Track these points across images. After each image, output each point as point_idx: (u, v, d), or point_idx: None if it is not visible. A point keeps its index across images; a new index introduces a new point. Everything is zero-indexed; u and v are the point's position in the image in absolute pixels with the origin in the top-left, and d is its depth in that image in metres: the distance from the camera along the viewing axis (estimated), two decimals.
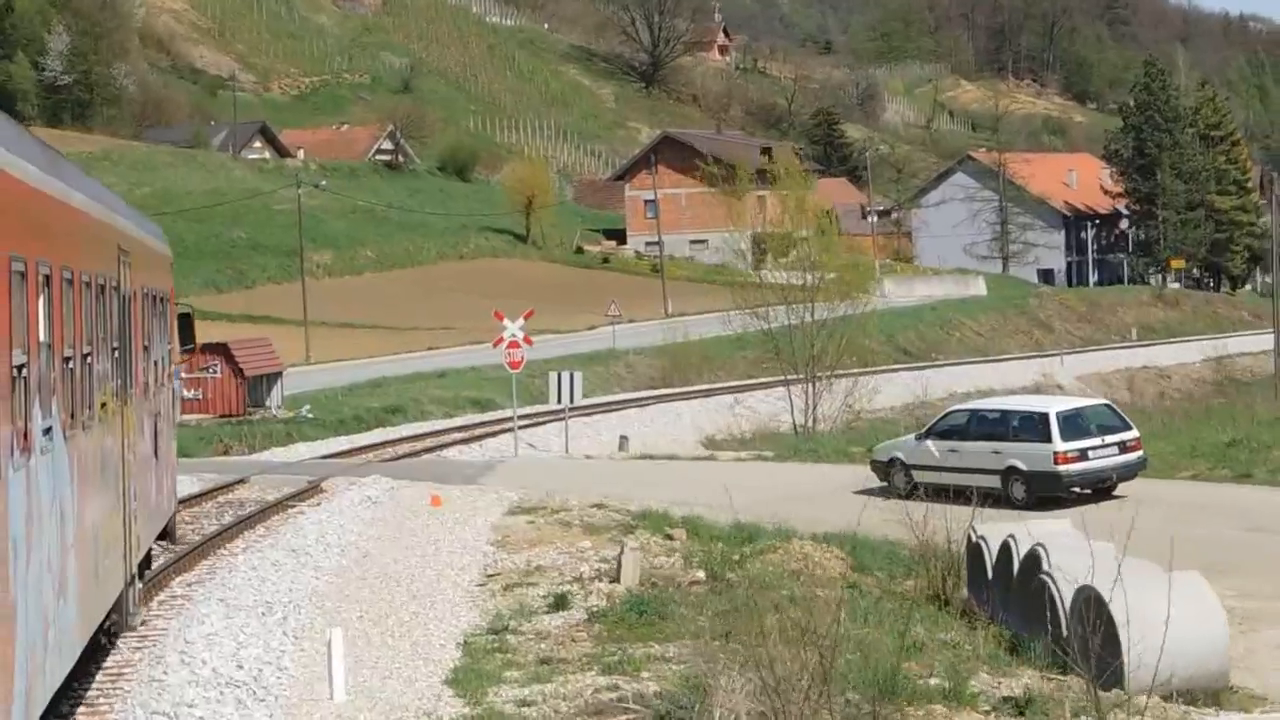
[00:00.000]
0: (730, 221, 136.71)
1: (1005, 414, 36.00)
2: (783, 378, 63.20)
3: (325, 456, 48.47)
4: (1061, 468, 34.32)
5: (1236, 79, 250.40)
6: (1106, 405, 36.83)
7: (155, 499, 22.60)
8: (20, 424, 11.97)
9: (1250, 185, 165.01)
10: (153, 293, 22.35)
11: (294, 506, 35.06)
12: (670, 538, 30.64)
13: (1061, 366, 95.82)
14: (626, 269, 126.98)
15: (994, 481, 34.11)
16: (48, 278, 13.19)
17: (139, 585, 21.09)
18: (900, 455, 36.86)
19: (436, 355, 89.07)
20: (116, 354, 18.09)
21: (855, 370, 64.39)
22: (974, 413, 36.74)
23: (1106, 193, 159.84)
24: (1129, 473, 35.15)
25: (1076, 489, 34.15)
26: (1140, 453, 35.41)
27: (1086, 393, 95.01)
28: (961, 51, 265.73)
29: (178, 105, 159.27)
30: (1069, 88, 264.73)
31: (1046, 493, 34.07)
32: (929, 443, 36.33)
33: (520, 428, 58.15)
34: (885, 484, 36.97)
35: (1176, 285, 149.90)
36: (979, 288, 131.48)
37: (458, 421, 62.18)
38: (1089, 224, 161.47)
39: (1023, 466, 34.64)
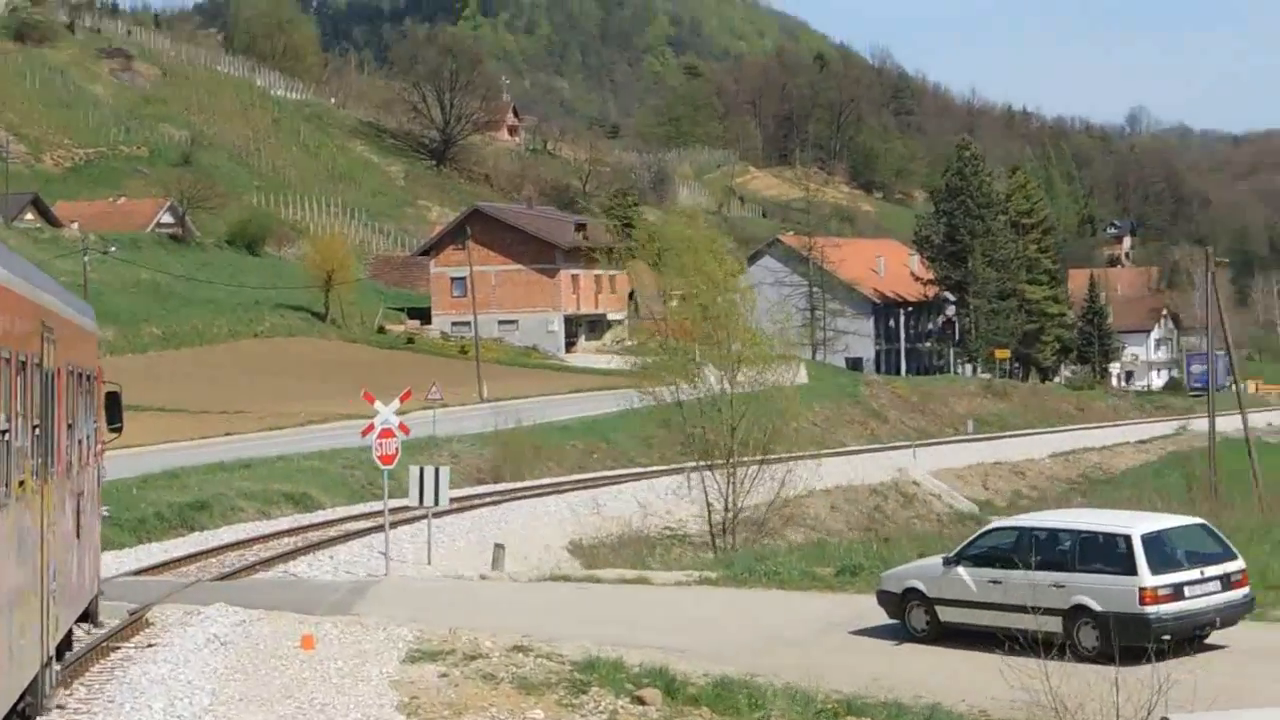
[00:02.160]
0: (544, 300, 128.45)
1: (1069, 534, 27.05)
2: (670, 466, 54.40)
3: (138, 571, 38.40)
4: (1150, 609, 25.61)
5: (1025, 171, 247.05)
6: (1201, 525, 27.99)
7: (76, 579, 21.88)
8: None
9: (1060, 275, 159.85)
10: (79, 370, 21.65)
11: (118, 650, 25.25)
12: (641, 700, 21.94)
13: (914, 460, 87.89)
14: (433, 350, 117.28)
15: (1053, 624, 25.25)
16: None
17: (56, 667, 20.50)
18: (919, 585, 27.88)
19: (235, 442, 79.02)
20: (38, 432, 17.50)
21: (784, 455, 55.18)
22: (1024, 531, 27.66)
23: (917, 280, 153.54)
24: (1233, 616, 26.51)
25: (1167, 636, 25.36)
26: (1247, 589, 26.74)
27: (949, 490, 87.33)
28: (750, 138, 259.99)
29: None
30: (855, 177, 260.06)
31: (1129, 642, 25.15)
32: (961, 570, 27.41)
33: (354, 533, 48.52)
34: (897, 622, 28.03)
35: (988, 376, 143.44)
36: (800, 375, 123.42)
37: (282, 524, 52.15)
38: (899, 312, 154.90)
39: (1095, 606, 25.87)
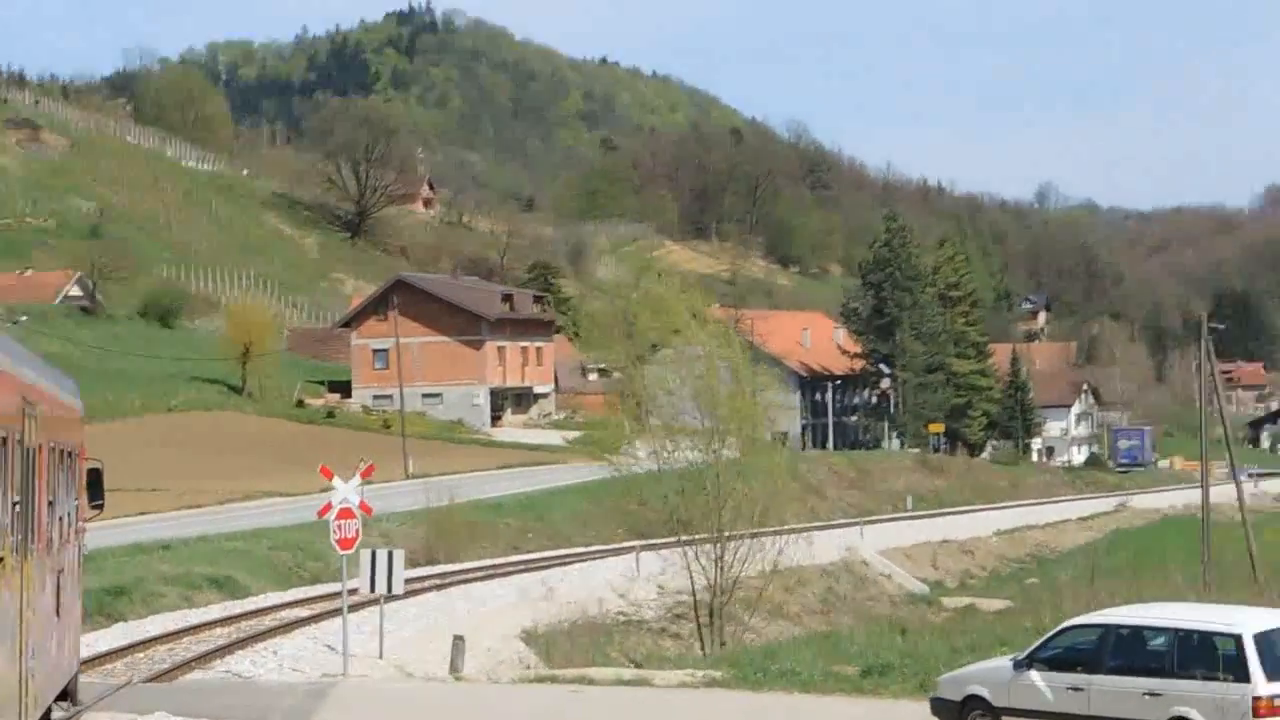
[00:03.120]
0: (469, 373, 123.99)
1: (1164, 633, 23.05)
2: (613, 546, 50.50)
3: None
4: None
5: (953, 243, 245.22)
6: None
7: (56, 656, 21.56)
8: None
9: (985, 349, 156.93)
10: (60, 447, 21.40)
11: None
12: None
13: (862, 539, 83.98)
14: (354, 424, 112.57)
15: None
16: None
17: None
18: (983, 693, 23.83)
19: (150, 521, 74.21)
20: (18, 508, 17.35)
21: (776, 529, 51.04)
22: (1109, 629, 23.56)
23: (844, 353, 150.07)
24: None
25: None
26: None
27: (898, 571, 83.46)
28: (666, 212, 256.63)
29: None
30: (772, 250, 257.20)
31: None
32: (1034, 674, 23.38)
33: (292, 623, 44.06)
34: None
35: (917, 450, 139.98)
36: (733, 449, 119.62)
37: (212, 612, 47.53)
38: (825, 385, 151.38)
39: (1198, 718, 21.88)
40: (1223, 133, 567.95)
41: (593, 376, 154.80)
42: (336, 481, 34.30)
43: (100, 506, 25.72)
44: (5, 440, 16.48)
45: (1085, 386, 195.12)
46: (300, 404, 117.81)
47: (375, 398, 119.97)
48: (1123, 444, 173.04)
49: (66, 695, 24.65)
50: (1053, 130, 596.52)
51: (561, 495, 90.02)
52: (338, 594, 53.30)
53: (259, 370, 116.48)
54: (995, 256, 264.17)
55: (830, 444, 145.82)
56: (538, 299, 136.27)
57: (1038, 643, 24.17)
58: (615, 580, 63.15)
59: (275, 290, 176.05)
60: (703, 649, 45.83)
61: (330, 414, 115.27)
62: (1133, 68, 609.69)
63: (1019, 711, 23.32)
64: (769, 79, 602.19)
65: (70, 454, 23.10)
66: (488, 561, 68.15)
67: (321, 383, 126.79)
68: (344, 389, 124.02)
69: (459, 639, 38.54)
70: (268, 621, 44.47)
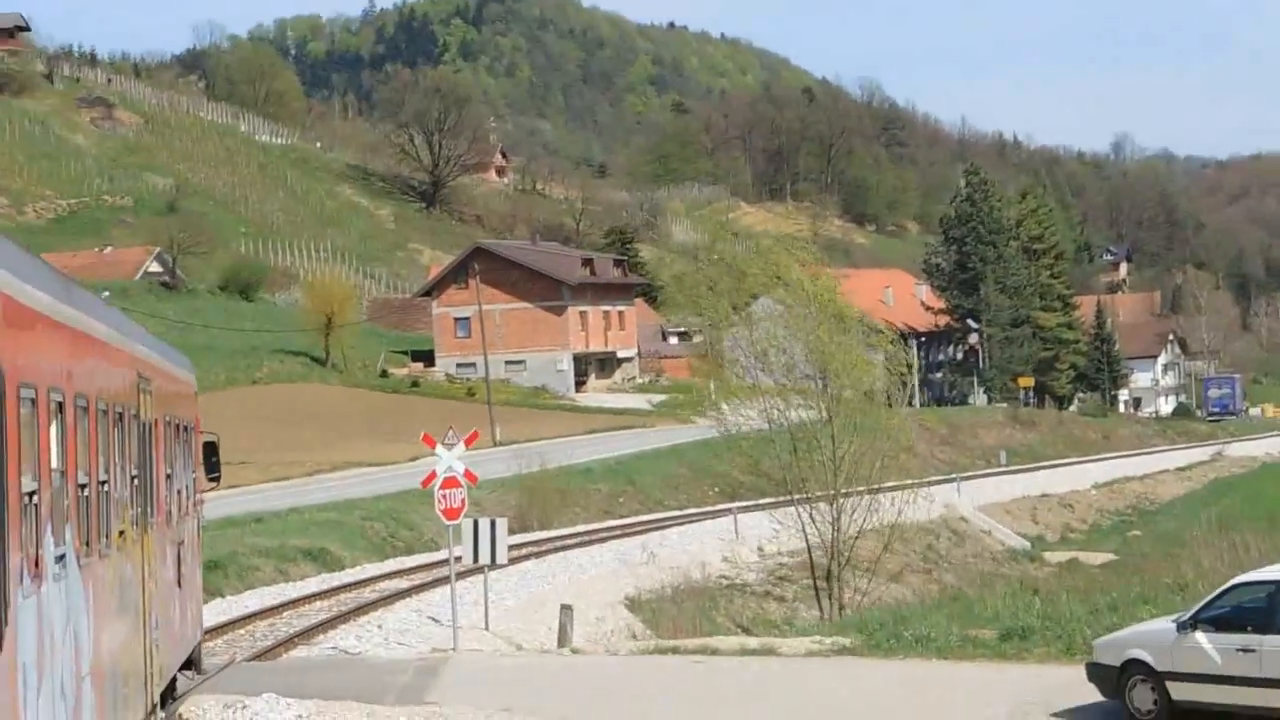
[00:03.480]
0: (552, 339, 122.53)
1: None
2: (708, 509, 48.75)
3: None
4: None
5: (1036, 195, 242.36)
6: None
7: (179, 627, 21.76)
8: (31, 551, 11.55)
9: (1074, 302, 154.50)
10: (176, 421, 21.70)
11: None
12: None
13: (959, 496, 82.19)
14: (438, 393, 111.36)
15: None
16: (60, 405, 12.86)
17: (160, 714, 20.28)
18: (1145, 656, 22.17)
19: (241, 494, 73.14)
20: (136, 482, 17.55)
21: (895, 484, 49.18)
22: None
23: (928, 309, 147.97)
24: None
25: None
26: None
27: (998, 526, 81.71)
28: (739, 174, 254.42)
29: None
30: (847, 210, 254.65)
31: None
32: (1200, 636, 21.69)
33: (393, 595, 42.82)
34: (1114, 702, 22.37)
35: (1004, 405, 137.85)
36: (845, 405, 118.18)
37: (309, 585, 46.36)
38: (910, 342, 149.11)
39: None
40: None
41: (673, 340, 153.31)
42: (440, 450, 32.90)
43: (217, 479, 26.41)
44: (122, 415, 16.47)
45: (1171, 336, 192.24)
46: (384, 374, 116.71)
47: (459, 366, 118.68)
48: (1213, 393, 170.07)
49: (190, 664, 25.02)
50: (1127, 81, 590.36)
51: (650, 459, 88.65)
52: (435, 564, 52.21)
53: (341, 341, 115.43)
54: (1074, 209, 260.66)
55: (916, 402, 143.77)
56: (618, 263, 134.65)
57: (1202, 602, 22.50)
58: (713, 544, 61.75)
59: (352, 262, 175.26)
60: (822, 614, 44.17)
61: (414, 383, 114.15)
62: (1205, 16, 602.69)
63: (1184, 675, 21.71)
64: (840, 38, 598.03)
65: (186, 428, 23.25)
66: (582, 527, 66.86)
67: (404, 352, 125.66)
68: (427, 358, 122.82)
69: (567, 609, 37.18)
70: (368, 594, 43.24)
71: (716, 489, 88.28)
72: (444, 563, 52.51)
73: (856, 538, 45.95)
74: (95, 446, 14.72)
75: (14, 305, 11.34)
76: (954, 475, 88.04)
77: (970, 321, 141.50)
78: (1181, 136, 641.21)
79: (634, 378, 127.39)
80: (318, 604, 41.36)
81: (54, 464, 12.65)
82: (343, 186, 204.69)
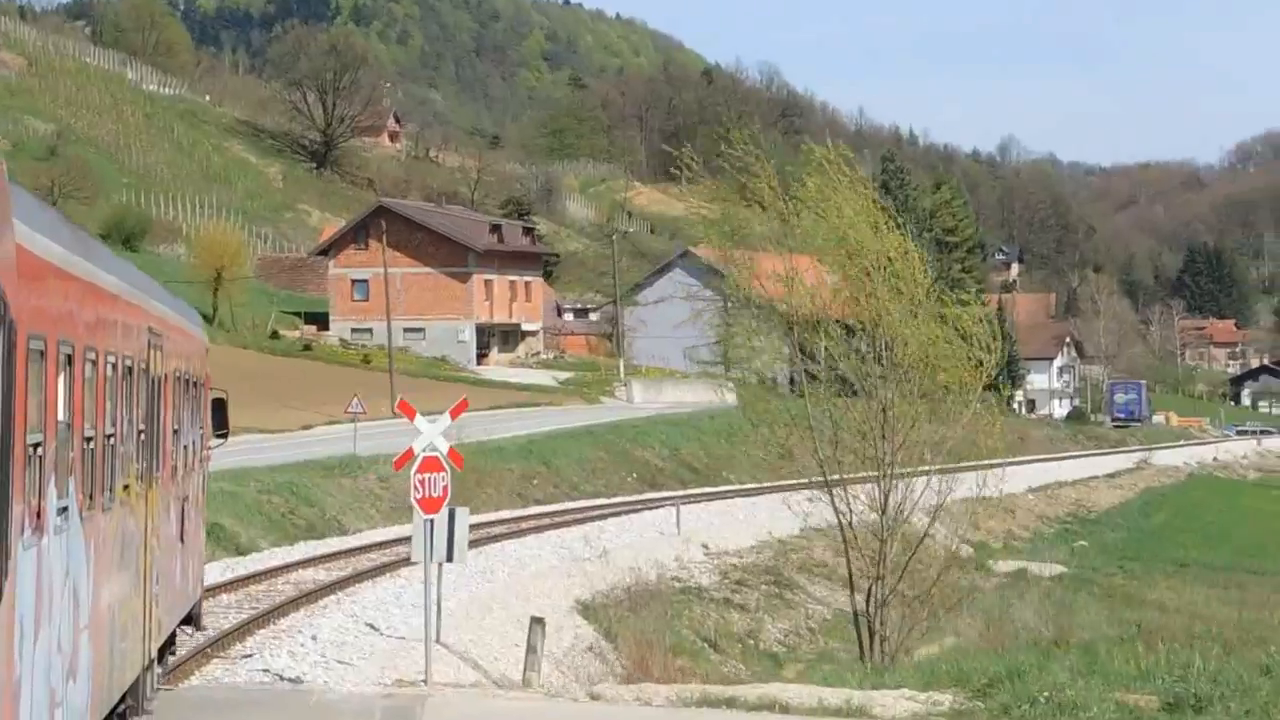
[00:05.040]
0: (455, 307, 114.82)
1: None
2: (638, 498, 41.41)
3: None
4: None
5: (951, 186, 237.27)
6: None
7: (180, 583, 21.55)
8: (34, 503, 11.44)
9: (985, 298, 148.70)
10: (185, 377, 21.67)
11: None
12: None
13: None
14: (332, 358, 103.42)
15: None
16: (69, 357, 12.74)
17: (158, 669, 20.95)
18: None
19: None
20: (143, 437, 17.44)
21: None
22: None
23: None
24: None
25: None
26: None
27: (942, 529, 75.25)
28: (635, 153, 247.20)
29: None
30: (744, 195, 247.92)
31: None
32: None
33: (316, 591, 35.52)
34: None
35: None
36: (730, 394, 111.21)
37: (212, 573, 38.48)
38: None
39: None
40: (1183, 89, 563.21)
41: (569, 317, 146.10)
42: (419, 422, 25.69)
43: (225, 435, 26.10)
44: (131, 369, 16.33)
45: (1068, 339, 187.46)
46: (275, 335, 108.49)
47: (354, 331, 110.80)
48: (1119, 398, 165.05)
49: (190, 620, 24.50)
50: (1014, 84, 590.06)
51: (564, 440, 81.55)
52: (351, 552, 44.78)
53: (229, 298, 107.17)
54: (969, 206, 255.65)
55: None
56: (527, 231, 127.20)
57: None
58: (654, 538, 54.67)
59: (238, 219, 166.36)
60: (864, 652, 36.67)
61: (306, 346, 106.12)
62: (1094, 23, 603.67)
63: None
64: (733, 24, 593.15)
65: (195, 384, 22.95)
66: (506, 513, 59.62)
67: (297, 314, 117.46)
68: (320, 321, 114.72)
69: (538, 624, 29.90)
70: (284, 588, 35.85)
71: (634, 475, 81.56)
72: (362, 550, 45.21)
73: (919, 543, 38.32)
74: (103, 400, 14.50)
75: (27, 256, 11.09)
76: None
77: None
78: (1065, 143, 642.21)
79: (538, 353, 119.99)
80: (225, 598, 33.92)
81: (61, 416, 12.43)
82: (231, 142, 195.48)
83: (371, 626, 30.90)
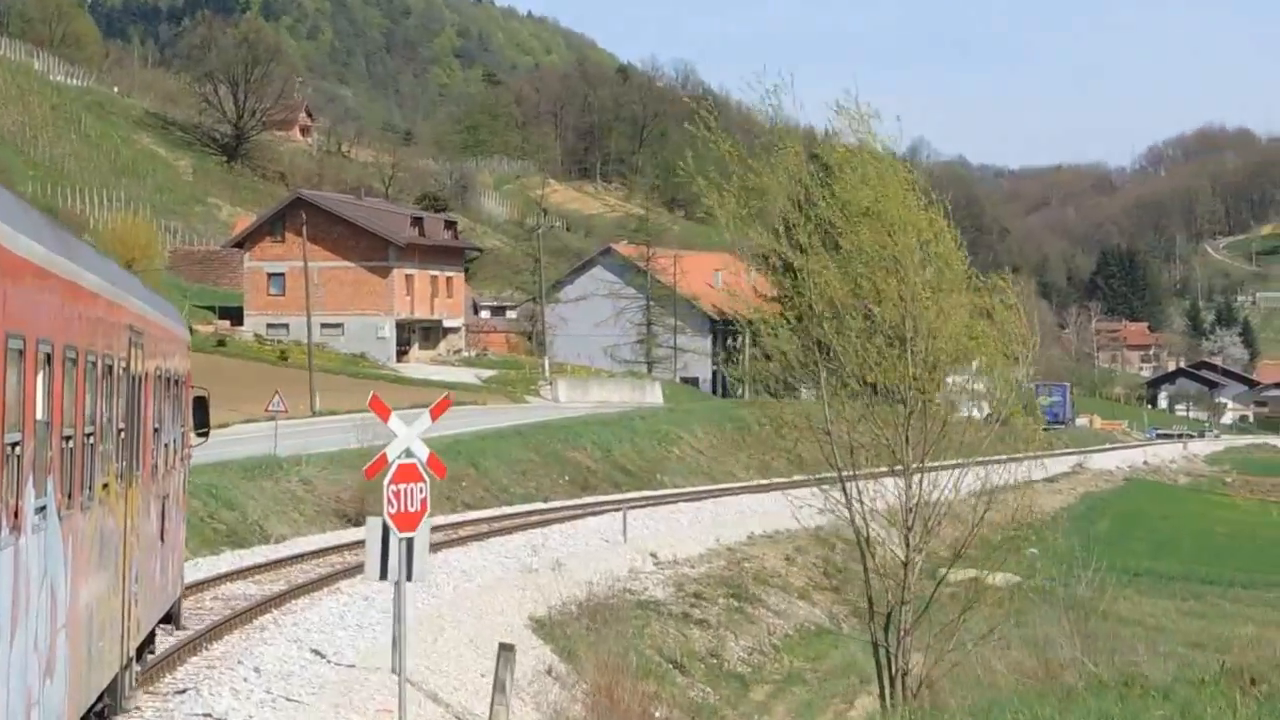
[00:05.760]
0: (374, 303, 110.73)
1: None
2: (579, 503, 37.81)
3: None
4: None
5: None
6: None
7: (159, 582, 21.44)
8: (10, 501, 11.41)
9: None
10: (166, 375, 21.55)
11: None
12: None
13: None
14: (247, 354, 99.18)
15: None
16: (49, 356, 12.68)
17: (137, 668, 20.80)
18: None
19: None
20: (123, 435, 17.40)
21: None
22: None
23: (761, 296, 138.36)
24: None
25: None
26: None
27: (887, 535, 72.03)
28: (550, 150, 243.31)
29: None
30: (658, 193, 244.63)
31: None
32: None
33: (246, 610, 31.79)
34: None
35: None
36: (655, 394, 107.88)
37: None
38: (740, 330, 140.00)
39: None
40: (1093, 92, 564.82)
41: (485, 314, 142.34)
42: (395, 423, 21.96)
43: (206, 434, 26.08)
44: (111, 368, 16.15)
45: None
46: (189, 330, 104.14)
47: (269, 326, 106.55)
48: (1043, 400, 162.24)
49: (170, 619, 24.24)
50: (925, 85, 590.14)
51: (492, 440, 77.70)
52: (282, 562, 40.99)
53: None
54: None
55: (746, 392, 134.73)
56: (449, 225, 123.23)
57: None
58: (599, 546, 51.05)
59: (147, 213, 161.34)
60: (883, 692, 32.84)
61: (221, 342, 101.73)
62: (1002, 27, 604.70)
63: None
64: (645, 25, 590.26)
65: (176, 382, 22.79)
66: (439, 519, 55.68)
67: (210, 308, 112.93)
68: (234, 316, 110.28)
69: (508, 651, 26.30)
70: (213, 604, 31.98)
71: (566, 477, 77.99)
72: (293, 561, 41.46)
73: (959, 553, 34.64)
74: (83, 399, 14.39)
75: (5, 255, 11.03)
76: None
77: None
78: (974, 146, 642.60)
79: (460, 350, 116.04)
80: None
81: (39, 415, 12.33)
82: (140, 134, 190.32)
83: (318, 653, 27.18)
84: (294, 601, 33.36)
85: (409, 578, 25.68)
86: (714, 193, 33.60)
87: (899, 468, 32.42)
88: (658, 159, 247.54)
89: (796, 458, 34.13)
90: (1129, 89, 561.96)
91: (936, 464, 32.42)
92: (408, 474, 20.87)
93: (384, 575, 25.60)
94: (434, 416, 23.22)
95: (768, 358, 35.64)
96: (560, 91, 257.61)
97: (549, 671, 33.89)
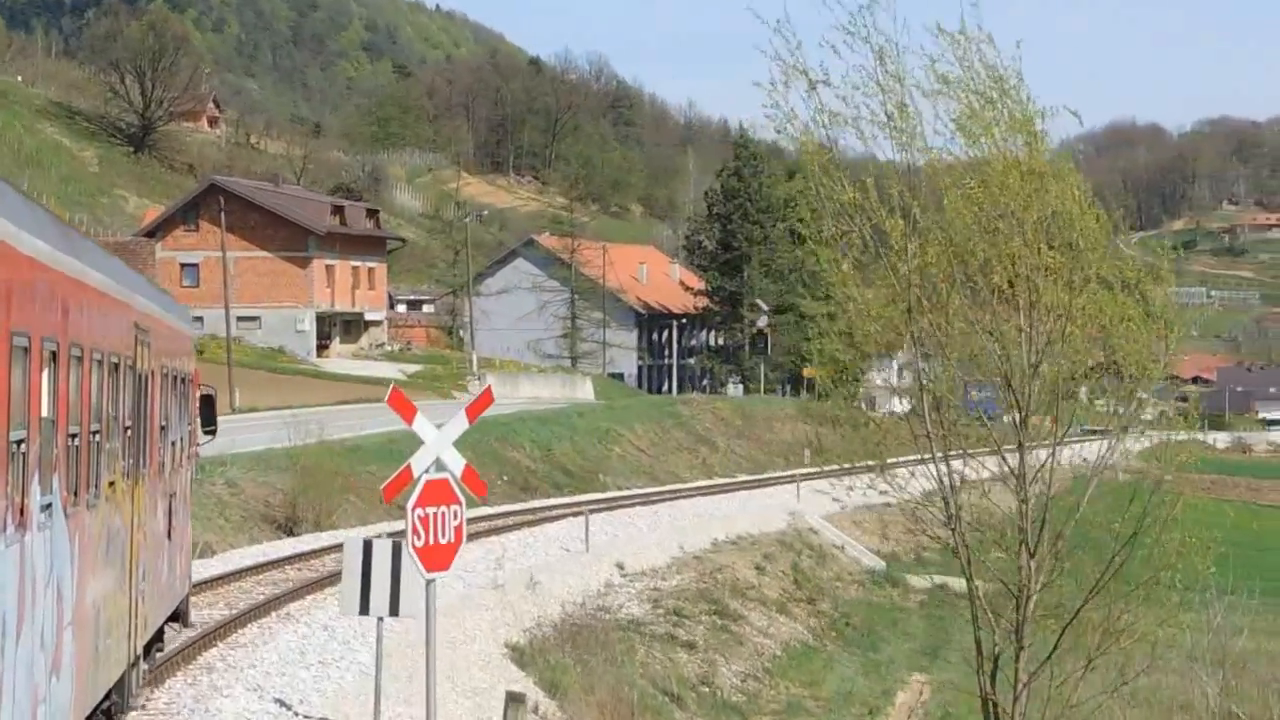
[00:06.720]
0: (293, 294, 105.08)
1: None
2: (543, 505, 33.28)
3: None
4: None
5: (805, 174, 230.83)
6: None
7: (166, 579, 21.25)
8: (16, 499, 11.20)
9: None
10: (173, 373, 21.37)
11: None
12: None
13: (798, 501, 67.77)
14: None
15: None
16: (54, 354, 12.51)
17: (144, 665, 20.47)
18: None
19: None
20: (129, 433, 17.15)
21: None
22: None
23: (687, 289, 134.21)
24: None
25: None
26: None
27: (850, 541, 67.52)
28: (462, 143, 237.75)
29: None
30: (571, 187, 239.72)
31: None
32: None
33: (207, 634, 26.70)
34: None
35: (777, 394, 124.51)
36: (586, 390, 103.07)
37: None
38: (667, 324, 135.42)
39: None
40: None
41: (401, 308, 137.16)
42: (420, 425, 17.03)
43: (213, 432, 25.97)
44: (117, 366, 16.04)
45: (911, 334, 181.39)
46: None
47: None
48: (975, 395, 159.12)
49: (177, 617, 23.90)
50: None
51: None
52: (220, 580, 35.94)
53: None
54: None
55: (673, 387, 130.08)
56: (371, 213, 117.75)
57: None
58: (559, 556, 46.07)
59: (52, 204, 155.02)
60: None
61: None
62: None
63: None
64: (555, 19, 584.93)
65: (183, 380, 22.66)
66: (384, 526, 50.74)
67: None
68: None
69: (517, 705, 21.32)
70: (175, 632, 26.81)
71: (505, 478, 73.09)
72: (232, 578, 36.35)
73: (1095, 590, 29.34)
74: (88, 397, 14.22)
75: (10, 252, 10.86)
76: (788, 474, 73.72)
77: (760, 303, 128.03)
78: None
79: (383, 344, 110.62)
80: None
81: (45, 413, 12.11)
82: (44, 124, 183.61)
83: (282, 704, 22.17)
84: (240, 633, 28.25)
85: (392, 612, 20.78)
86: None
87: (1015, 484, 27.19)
88: (570, 152, 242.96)
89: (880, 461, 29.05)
90: (1040, 86, 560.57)
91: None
92: (439, 494, 16.00)
93: (365, 609, 20.67)
94: (471, 418, 18.27)
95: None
96: (471, 84, 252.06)
97: (535, 710, 29.00)
